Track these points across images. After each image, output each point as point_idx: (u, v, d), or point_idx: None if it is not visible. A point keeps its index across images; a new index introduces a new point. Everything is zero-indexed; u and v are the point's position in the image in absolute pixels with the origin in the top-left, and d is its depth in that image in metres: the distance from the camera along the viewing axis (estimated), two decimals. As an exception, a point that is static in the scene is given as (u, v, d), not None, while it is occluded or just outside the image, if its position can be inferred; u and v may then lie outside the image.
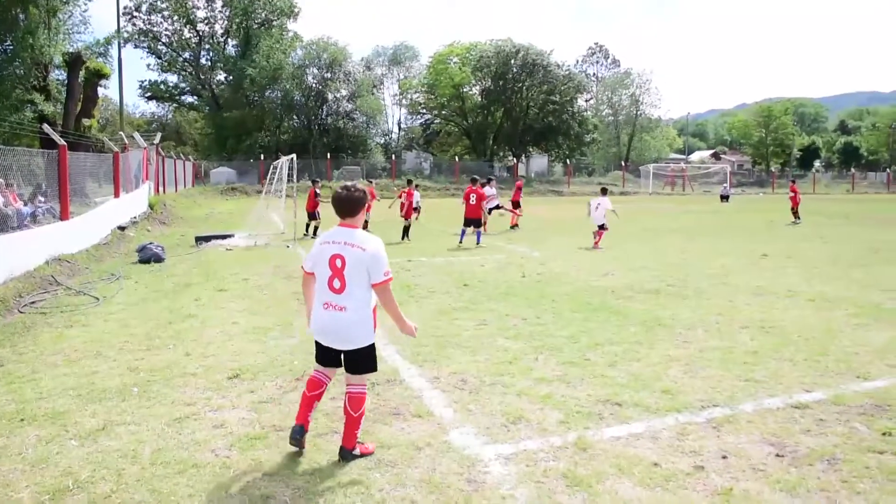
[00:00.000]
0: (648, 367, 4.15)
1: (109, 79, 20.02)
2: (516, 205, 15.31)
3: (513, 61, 41.50)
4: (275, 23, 41.47)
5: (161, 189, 20.86)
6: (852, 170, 52.93)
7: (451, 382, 3.89)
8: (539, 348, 4.60)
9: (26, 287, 6.73)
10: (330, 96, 41.37)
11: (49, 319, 5.66)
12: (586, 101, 52.98)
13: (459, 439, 3.05)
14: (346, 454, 2.83)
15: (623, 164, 47.81)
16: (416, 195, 14.07)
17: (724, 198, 30.57)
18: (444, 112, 46.57)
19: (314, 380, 2.98)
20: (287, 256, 10.11)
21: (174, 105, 46.99)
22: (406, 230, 12.41)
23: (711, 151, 71.43)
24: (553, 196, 34.74)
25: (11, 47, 16.46)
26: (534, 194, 32.71)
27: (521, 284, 7.38)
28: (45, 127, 9.74)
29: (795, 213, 16.98)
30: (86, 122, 17.43)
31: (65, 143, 9.42)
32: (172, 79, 43.61)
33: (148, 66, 48.10)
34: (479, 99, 44.64)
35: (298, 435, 2.89)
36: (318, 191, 13.46)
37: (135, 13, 40.09)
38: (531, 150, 46.34)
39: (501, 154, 45.66)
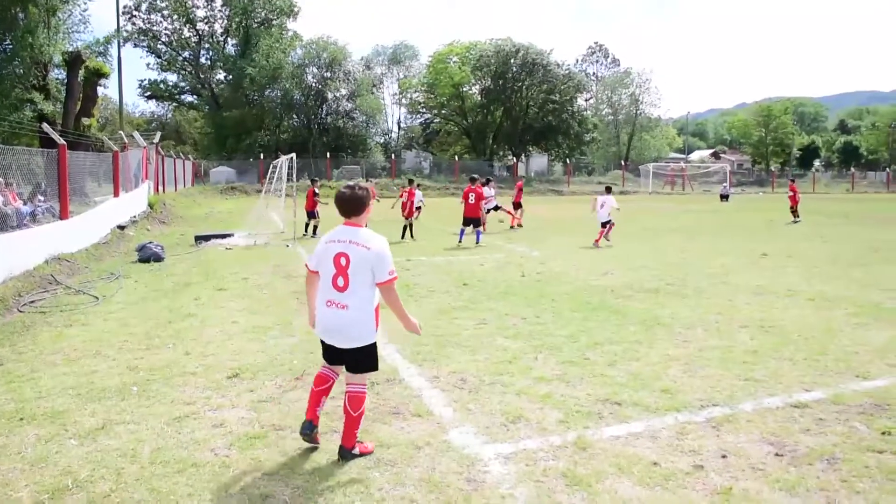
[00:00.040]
0: (648, 367, 4.15)
1: (109, 78, 20.01)
2: (517, 206, 15.30)
3: (512, 61, 41.47)
4: (274, 22, 41.44)
5: (161, 188, 20.85)
6: (852, 169, 52.83)
7: (451, 382, 3.89)
8: (538, 347, 4.60)
9: (26, 286, 6.73)
10: (330, 95, 41.34)
11: (48, 318, 5.66)
12: (586, 100, 52.99)
13: (459, 438, 3.05)
14: (346, 453, 2.84)
15: (623, 163, 47.80)
16: (419, 194, 14.07)
17: (724, 197, 30.57)
18: (443, 111, 46.54)
19: (321, 375, 3.00)
20: (287, 256, 10.11)
21: (174, 104, 46.96)
22: (405, 229, 12.41)
23: (711, 151, 71.41)
24: (553, 195, 34.72)
25: (11, 46, 16.43)
26: (533, 193, 32.68)
27: (520, 284, 7.37)
28: (45, 126, 9.73)
29: (795, 212, 16.99)
30: (85, 121, 17.40)
31: (64, 143, 9.41)
32: (172, 78, 43.65)
33: (147, 65, 48.28)
34: (479, 98, 44.61)
35: (308, 430, 2.91)
36: (316, 190, 13.45)
37: (134, 12, 40.07)
38: (531, 149, 46.32)
39: (501, 153, 45.65)
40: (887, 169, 52.01)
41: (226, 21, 41.92)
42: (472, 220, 11.85)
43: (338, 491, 2.57)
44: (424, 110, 48.33)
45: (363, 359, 2.85)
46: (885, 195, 40.63)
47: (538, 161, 46.67)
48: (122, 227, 12.39)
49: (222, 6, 41.26)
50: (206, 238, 11.74)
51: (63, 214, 9.27)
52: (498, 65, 41.38)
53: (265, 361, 4.31)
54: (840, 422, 3.23)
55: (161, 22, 41.41)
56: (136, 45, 41.33)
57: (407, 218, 12.54)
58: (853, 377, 3.93)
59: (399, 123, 51.68)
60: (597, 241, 11.29)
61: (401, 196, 13.24)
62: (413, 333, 2.97)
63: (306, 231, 13.24)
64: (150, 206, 16.41)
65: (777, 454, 2.88)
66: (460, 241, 11.69)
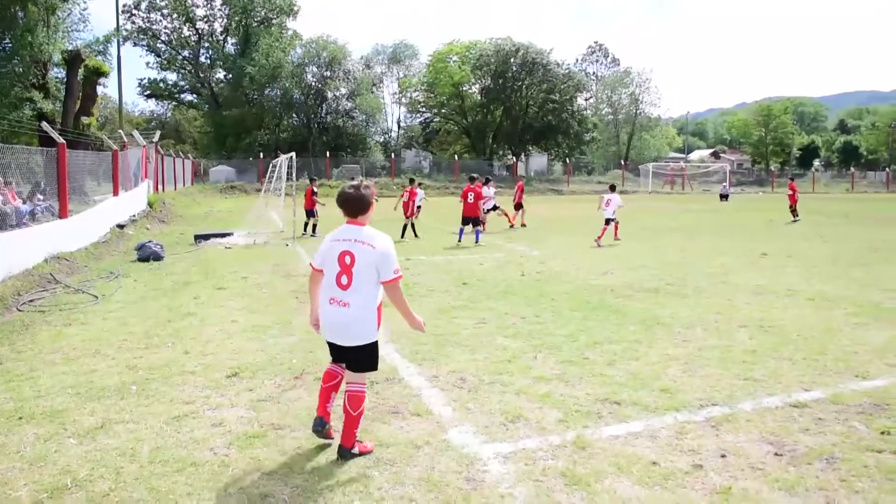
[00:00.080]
0: (647, 366, 4.15)
1: (108, 77, 19.99)
2: (518, 206, 15.28)
3: (512, 60, 41.45)
4: (274, 21, 41.40)
5: (160, 187, 20.84)
6: (852, 169, 52.76)
7: (450, 381, 3.89)
8: (538, 347, 4.60)
9: (25, 285, 6.72)
10: (329, 95, 41.31)
11: (48, 318, 5.65)
12: (586, 99, 52.94)
13: (458, 438, 3.05)
14: (345, 453, 2.83)
15: (622, 162, 47.80)
16: (420, 193, 14.08)
17: (724, 197, 30.58)
18: (443, 111, 46.51)
19: (329, 371, 3.01)
20: (286, 255, 10.10)
21: (173, 103, 46.93)
22: (405, 228, 12.40)
23: (711, 150, 71.39)
24: (552, 195, 34.72)
25: (10, 45, 16.41)
26: (533, 193, 32.66)
27: (520, 283, 7.37)
28: (44, 125, 9.73)
29: (794, 211, 16.99)
30: (85, 120, 17.38)
31: (64, 142, 9.41)
32: (172, 77, 43.62)
33: (147, 64, 47.95)
34: (479, 97, 44.58)
35: (320, 426, 2.93)
36: (315, 189, 13.45)
37: (134, 11, 40.04)
38: (531, 148, 46.31)
39: (501, 153, 45.64)
40: (887, 169, 51.97)
41: (225, 20, 41.89)
42: (472, 219, 11.85)
43: (337, 490, 2.57)
44: (424, 109, 48.30)
45: (364, 357, 2.85)
46: (885, 195, 40.62)
47: (538, 160, 46.65)
48: (121, 226, 12.38)
49: (222, 5, 41.24)
50: (206, 237, 11.73)
51: (62, 213, 9.26)
52: (498, 64, 41.35)
53: (264, 360, 4.30)
54: (839, 421, 3.23)
55: (161, 21, 41.41)
56: (135, 44, 41.33)
57: (407, 217, 12.53)
58: (852, 377, 3.93)
59: (399, 123, 51.74)
60: (598, 238, 11.35)
61: (402, 196, 13.24)
62: (417, 331, 2.99)
63: (305, 230, 13.24)
64: (150, 205, 16.40)
65: (776, 454, 2.87)
66: (459, 241, 11.69)
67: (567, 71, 44.04)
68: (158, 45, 41.85)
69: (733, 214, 20.51)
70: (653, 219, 18.11)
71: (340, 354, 2.91)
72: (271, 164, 15.85)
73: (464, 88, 44.23)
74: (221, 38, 42.65)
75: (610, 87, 57.17)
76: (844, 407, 3.42)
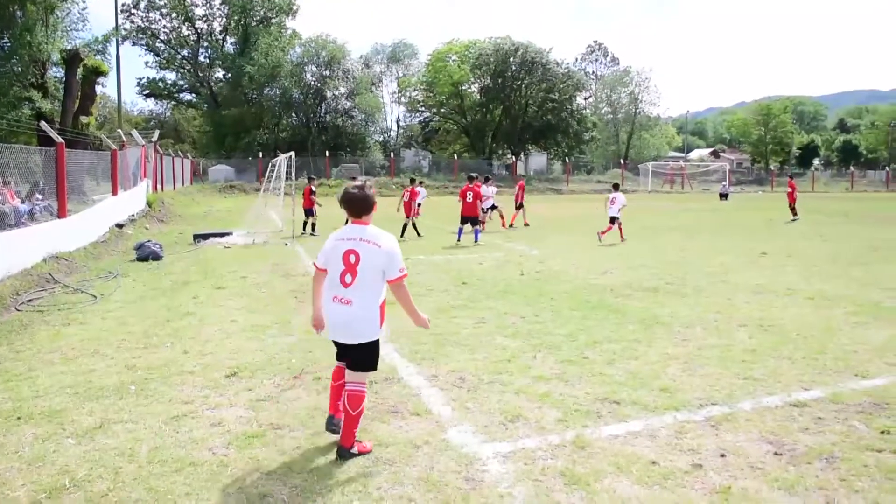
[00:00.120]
0: (647, 366, 4.15)
1: (107, 76, 19.92)
2: (519, 206, 15.27)
3: (512, 59, 41.42)
4: (273, 20, 41.36)
5: (159, 187, 20.82)
6: (851, 168, 52.70)
7: (450, 380, 3.88)
8: (537, 346, 4.60)
9: (23, 285, 6.71)
10: (328, 94, 41.26)
11: (46, 317, 5.64)
12: (585, 99, 52.87)
13: (457, 437, 3.05)
14: (344, 453, 2.83)
15: (622, 162, 47.80)
16: (423, 192, 14.05)
17: (724, 196, 30.61)
18: (442, 110, 46.49)
19: (339, 368, 3.03)
20: (285, 254, 10.09)
21: (172, 103, 46.86)
22: (405, 228, 12.39)
23: (710, 150, 71.37)
24: (552, 194, 34.73)
25: (9, 44, 16.37)
26: (533, 192, 32.64)
27: (519, 282, 7.37)
28: (43, 124, 9.71)
29: (793, 209, 16.99)
30: (84, 119, 17.34)
31: (62, 141, 9.39)
32: (171, 76, 43.57)
33: (146, 63, 47.83)
34: (478, 97, 44.57)
35: (333, 425, 2.97)
36: (313, 188, 13.44)
37: (133, 10, 39.97)
38: (530, 148, 46.30)
39: (500, 152, 45.62)
40: (886, 168, 51.86)
41: (224, 19, 41.83)
42: (471, 218, 11.84)
43: (336, 490, 2.56)
44: (423, 109, 48.29)
45: (366, 356, 2.87)
46: (885, 194, 40.66)
47: (537, 160, 46.63)
48: (120, 226, 12.37)
49: (221, 4, 41.18)
50: (205, 237, 11.72)
51: (61, 213, 9.25)
52: (497, 63, 41.33)
53: (263, 360, 4.30)
54: (839, 421, 3.23)
55: (160, 20, 41.35)
56: (134, 44, 41.28)
57: (408, 216, 12.52)
58: (852, 376, 3.92)
59: (398, 122, 51.67)
60: (602, 232, 11.44)
61: (403, 195, 13.23)
62: (422, 327, 3.01)
63: (304, 229, 13.23)
64: (149, 204, 16.39)
65: (776, 453, 2.87)
66: (459, 240, 11.68)
67: (566, 70, 44.04)
68: (157, 44, 41.80)
69: (733, 213, 20.52)
70: (652, 218, 18.11)
71: (344, 352, 2.93)
72: (270, 164, 15.84)
73: (463, 88, 44.20)
74: (220, 37, 42.59)
75: (609, 86, 57.13)
76: (844, 406, 3.42)
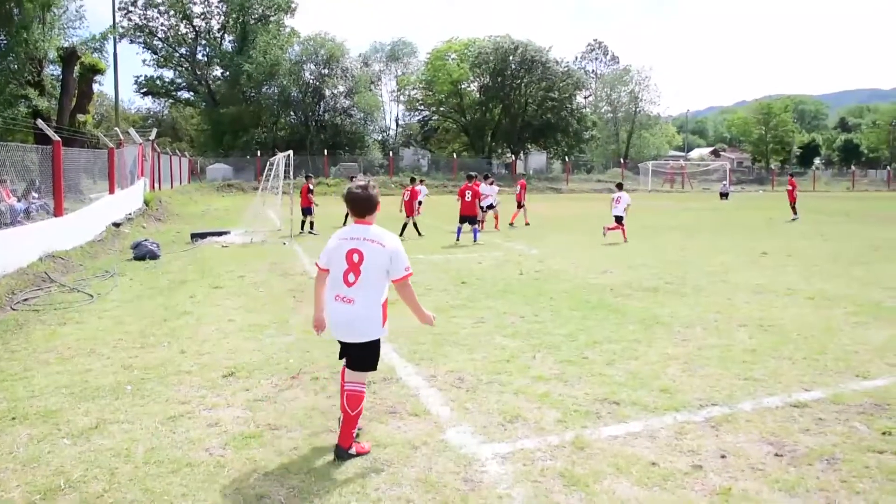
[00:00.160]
0: (646, 366, 4.13)
1: (105, 74, 19.87)
2: (520, 205, 15.25)
3: (511, 58, 41.38)
4: (272, 18, 41.28)
5: (156, 185, 20.77)
6: (852, 167, 52.51)
7: (448, 381, 3.86)
8: (537, 346, 4.58)
9: (19, 284, 6.68)
10: (327, 92, 41.21)
11: (42, 317, 5.61)
12: (585, 97, 52.82)
13: (456, 438, 3.03)
14: (342, 453, 2.82)
15: (622, 161, 47.80)
16: (424, 190, 14.00)
17: (724, 195, 30.61)
18: (442, 109, 46.45)
19: (345, 369, 3.02)
20: (283, 253, 10.06)
21: (170, 101, 46.76)
22: (404, 227, 12.36)
23: (711, 149, 71.36)
24: (552, 193, 34.72)
25: (5, 42, 16.30)
26: (532, 191, 32.58)
27: (518, 282, 7.34)
28: (40, 122, 9.67)
29: (793, 208, 16.98)
30: (81, 117, 17.28)
31: (59, 139, 9.34)
32: (168, 74, 43.48)
33: (144, 61, 47.79)
34: (478, 95, 44.54)
35: None
36: (311, 186, 13.40)
37: (131, 8, 39.87)
38: (529, 147, 46.29)
39: (500, 151, 45.59)
40: (888, 167, 51.76)
41: (223, 17, 41.73)
42: (469, 217, 11.82)
43: (334, 491, 2.54)
44: (423, 107, 48.23)
45: (366, 355, 2.87)
46: (886, 193, 40.71)
47: (537, 159, 46.60)
48: (117, 225, 12.33)
49: (219, 2, 41.09)
50: (203, 236, 11.68)
51: (57, 211, 9.21)
52: (496, 62, 41.29)
53: (261, 360, 4.27)
54: (840, 422, 3.21)
55: (157, 18, 41.22)
56: (132, 42, 41.15)
57: (408, 216, 12.49)
58: (853, 377, 3.91)
59: (397, 121, 51.61)
60: (609, 228, 11.57)
61: (403, 195, 13.20)
62: (427, 324, 3.02)
63: (303, 228, 13.20)
64: (146, 203, 16.34)
65: (776, 454, 2.86)
66: (458, 239, 11.66)
67: (566, 69, 44.02)
68: (155, 42, 41.69)
69: (733, 213, 20.52)
70: (652, 217, 18.10)
71: (345, 351, 2.93)
72: (269, 163, 15.80)
73: (462, 86, 44.16)
74: (219, 35, 42.49)
75: (609, 84, 57.09)
76: (845, 407, 3.40)
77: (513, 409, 3.37)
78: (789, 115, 59.18)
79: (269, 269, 8.39)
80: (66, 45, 17.27)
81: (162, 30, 41.65)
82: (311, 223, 13.24)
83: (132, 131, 18.45)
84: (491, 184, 14.53)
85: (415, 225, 12.49)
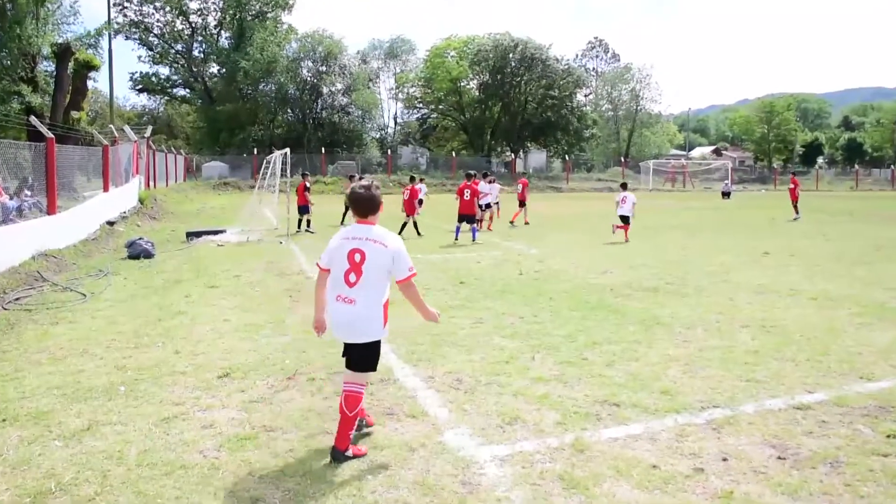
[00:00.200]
0: (647, 367, 4.10)
1: (99, 70, 19.75)
2: (522, 204, 15.21)
3: (511, 55, 41.32)
4: (269, 15, 41.12)
5: (151, 183, 20.66)
6: (856, 166, 52.29)
7: (446, 382, 3.83)
8: (536, 347, 4.54)
9: (11, 283, 6.61)
10: (325, 90, 41.07)
11: (34, 316, 5.55)
12: (585, 95, 52.80)
13: (454, 440, 2.99)
14: (339, 455, 2.78)
15: (623, 159, 47.78)
16: (423, 188, 13.95)
17: (726, 194, 30.63)
18: (441, 106, 46.37)
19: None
20: (280, 253, 10.01)
21: (166, 98, 46.57)
22: (404, 226, 12.31)
23: (713, 147, 71.44)
24: (551, 192, 34.72)
25: (-1, 37, 16.16)
26: (532, 190, 32.47)
27: (518, 282, 7.31)
28: (33, 119, 9.58)
29: (795, 207, 16.99)
30: (75, 114, 17.14)
31: (53, 136, 9.27)
32: (164, 71, 43.27)
33: (139, 57, 47.36)
34: (477, 93, 44.49)
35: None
36: (307, 184, 13.34)
37: (126, 4, 39.66)
38: (529, 145, 46.27)
39: (499, 149, 45.56)
40: (892, 166, 51.60)
41: (219, 13, 41.55)
42: (468, 216, 11.77)
43: (330, 494, 2.50)
44: (421, 105, 48.16)
45: (367, 355, 2.86)
46: (890, 192, 40.77)
47: (537, 157, 46.58)
48: (111, 223, 12.24)
49: (216, -2, 40.84)
50: (198, 234, 11.62)
51: (50, 209, 9.14)
52: (496, 59, 41.23)
53: (257, 361, 4.23)
54: (843, 424, 3.18)
55: (153, 14, 41.00)
56: (127, 38, 40.90)
57: (408, 215, 12.44)
58: (857, 378, 3.88)
59: (395, 118, 51.53)
60: (618, 227, 11.60)
61: (403, 194, 13.14)
62: (432, 322, 3.03)
63: (299, 227, 13.14)
64: (141, 201, 16.24)
65: (779, 457, 2.82)
66: (456, 239, 11.62)
67: (566, 66, 43.99)
68: (151, 38, 41.47)
69: (735, 212, 20.54)
70: (653, 216, 18.09)
71: (346, 351, 2.92)
72: (265, 161, 15.72)
73: (461, 84, 44.10)
74: (215, 31, 42.30)
75: (610, 83, 57.08)
76: (849, 409, 3.37)
77: (512, 411, 3.34)
78: (792, 113, 59.00)
79: (266, 268, 8.33)
80: (60, 40, 17.15)
81: (158, 26, 41.44)
82: (308, 222, 13.18)
83: (127, 128, 18.34)
84: (491, 182, 14.47)
85: (415, 224, 12.45)
